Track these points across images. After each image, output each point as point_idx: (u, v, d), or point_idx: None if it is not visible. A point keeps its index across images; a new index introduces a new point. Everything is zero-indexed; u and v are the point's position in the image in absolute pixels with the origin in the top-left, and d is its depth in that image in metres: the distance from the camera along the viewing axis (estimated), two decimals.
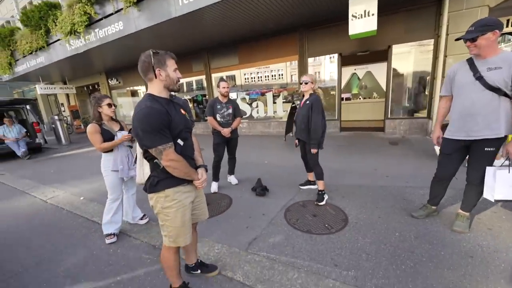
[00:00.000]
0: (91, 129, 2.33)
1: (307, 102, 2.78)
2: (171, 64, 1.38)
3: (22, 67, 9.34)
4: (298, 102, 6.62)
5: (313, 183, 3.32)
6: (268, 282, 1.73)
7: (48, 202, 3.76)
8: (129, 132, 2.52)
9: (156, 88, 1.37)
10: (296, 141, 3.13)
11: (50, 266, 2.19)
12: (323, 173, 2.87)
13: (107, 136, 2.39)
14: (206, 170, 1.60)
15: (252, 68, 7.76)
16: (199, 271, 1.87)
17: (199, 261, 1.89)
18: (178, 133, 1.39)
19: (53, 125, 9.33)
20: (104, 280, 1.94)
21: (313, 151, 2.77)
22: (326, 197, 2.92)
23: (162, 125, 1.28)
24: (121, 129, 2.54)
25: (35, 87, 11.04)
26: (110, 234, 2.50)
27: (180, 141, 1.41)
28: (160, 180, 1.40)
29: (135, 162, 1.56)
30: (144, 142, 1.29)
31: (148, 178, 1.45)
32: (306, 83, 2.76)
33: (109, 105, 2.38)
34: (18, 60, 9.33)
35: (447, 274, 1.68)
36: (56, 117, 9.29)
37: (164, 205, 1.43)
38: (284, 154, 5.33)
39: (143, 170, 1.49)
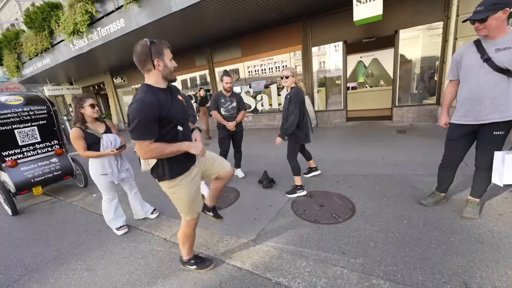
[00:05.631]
0: (74, 134, 2.22)
1: (288, 96, 2.75)
2: (167, 54, 1.36)
3: (29, 70, 9.53)
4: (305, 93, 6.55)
5: (315, 169, 3.38)
6: (277, 271, 1.77)
7: (62, 199, 3.91)
8: (120, 147, 2.43)
9: (153, 78, 1.37)
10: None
11: (68, 260, 2.29)
12: (300, 168, 2.87)
13: (92, 140, 2.29)
14: (200, 131, 1.71)
15: (256, 60, 7.68)
16: (211, 213, 1.91)
17: (214, 207, 1.95)
18: (177, 121, 1.44)
19: (62, 126, 9.57)
20: (119, 271, 2.02)
21: (277, 141, 2.74)
22: (300, 193, 2.86)
23: (151, 119, 1.29)
24: (107, 130, 2.43)
25: (43, 89, 11.26)
26: (120, 226, 2.59)
27: (179, 127, 1.46)
28: (165, 170, 1.48)
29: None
30: (132, 135, 1.31)
31: (154, 167, 1.50)
32: (287, 77, 2.71)
33: (92, 105, 2.26)
34: (25, 62, 9.50)
35: (456, 260, 1.67)
36: (65, 118, 9.50)
37: (170, 185, 1.53)
38: None
39: (147, 160, 1.51)
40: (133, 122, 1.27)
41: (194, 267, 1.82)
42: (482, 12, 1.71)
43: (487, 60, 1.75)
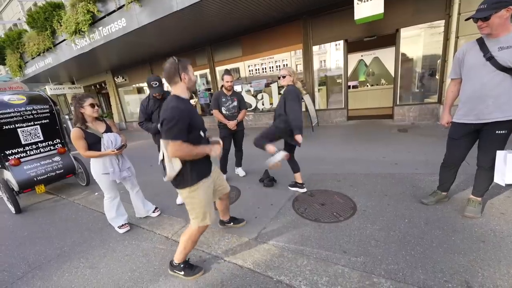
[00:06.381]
0: (74, 134, 2.22)
1: (282, 94, 2.74)
2: (190, 69, 1.61)
3: (31, 69, 9.56)
4: (305, 92, 6.54)
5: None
6: (278, 269, 1.77)
7: (64, 198, 3.93)
8: (121, 147, 2.45)
9: (180, 89, 1.59)
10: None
11: (71, 257, 2.31)
12: (298, 166, 2.94)
13: (92, 140, 2.29)
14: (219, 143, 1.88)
15: (256, 59, 7.67)
16: (231, 223, 2.37)
17: (230, 217, 2.37)
18: (201, 127, 1.65)
19: (64, 125, 9.61)
20: (122, 269, 2.04)
21: (298, 138, 2.55)
22: (299, 189, 2.92)
23: (183, 124, 1.48)
24: (108, 130, 2.42)
25: (45, 88, 11.31)
26: (122, 225, 2.61)
27: (202, 133, 1.66)
28: (187, 176, 1.61)
29: (162, 160, 1.63)
30: (166, 134, 1.47)
31: (180, 172, 1.59)
32: (284, 77, 2.68)
33: (92, 105, 2.26)
34: (27, 62, 9.54)
35: (457, 259, 1.67)
36: (67, 117, 9.54)
37: (192, 189, 1.64)
38: None
39: (172, 166, 1.60)
40: (170, 123, 1.44)
41: (182, 273, 1.82)
42: (485, 10, 1.69)
43: (490, 58, 1.74)
